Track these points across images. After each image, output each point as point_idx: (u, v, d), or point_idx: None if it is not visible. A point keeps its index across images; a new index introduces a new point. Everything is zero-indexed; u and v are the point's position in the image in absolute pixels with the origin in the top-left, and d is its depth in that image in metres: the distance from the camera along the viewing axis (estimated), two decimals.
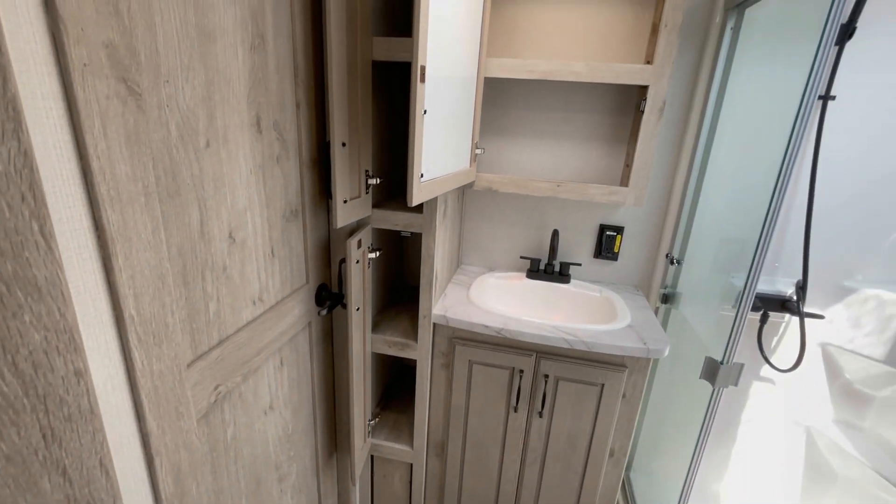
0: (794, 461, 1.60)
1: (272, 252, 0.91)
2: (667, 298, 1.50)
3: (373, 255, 1.20)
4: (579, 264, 1.57)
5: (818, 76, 0.85)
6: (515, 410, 1.31)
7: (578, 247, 1.59)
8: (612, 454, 1.31)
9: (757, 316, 1.42)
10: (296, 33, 0.88)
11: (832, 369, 1.48)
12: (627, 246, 1.56)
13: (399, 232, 1.59)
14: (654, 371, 1.60)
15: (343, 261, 1.10)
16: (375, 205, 1.23)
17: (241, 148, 0.77)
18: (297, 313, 1.03)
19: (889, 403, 1.41)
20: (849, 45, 1.19)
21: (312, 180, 1.02)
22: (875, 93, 1.23)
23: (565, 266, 1.55)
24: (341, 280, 1.14)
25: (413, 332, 1.33)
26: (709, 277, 1.29)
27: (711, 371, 1.06)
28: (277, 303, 0.96)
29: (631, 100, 1.40)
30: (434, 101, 0.94)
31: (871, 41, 1.19)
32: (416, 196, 0.92)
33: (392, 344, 1.32)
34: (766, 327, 1.42)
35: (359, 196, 1.08)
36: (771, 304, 1.40)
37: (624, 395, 1.24)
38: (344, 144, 0.97)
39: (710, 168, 1.34)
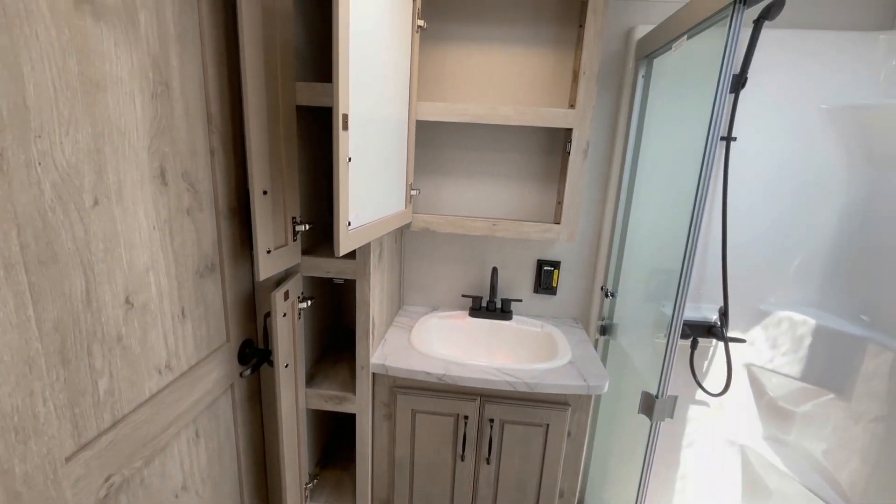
0: (732, 480, 1.65)
1: (183, 313, 0.83)
2: (605, 330, 1.54)
3: (304, 305, 1.13)
4: (520, 300, 1.58)
5: (718, 120, 0.93)
6: (462, 459, 1.26)
7: (518, 283, 1.61)
8: (561, 495, 1.29)
9: (688, 342, 1.48)
10: (208, 80, 0.83)
11: (757, 388, 1.57)
12: (565, 280, 1.59)
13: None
14: (598, 405, 1.62)
15: (269, 314, 1.02)
16: (306, 251, 1.18)
17: (140, 203, 0.70)
18: (216, 376, 0.94)
19: (808, 417, 1.50)
20: (743, 93, 1.32)
21: (232, 231, 0.95)
22: (771, 134, 1.37)
23: (506, 302, 1.55)
24: (268, 335, 1.06)
25: (352, 384, 1.26)
26: (641, 308, 1.34)
27: (648, 405, 1.08)
28: (191, 368, 0.86)
29: (559, 141, 1.46)
30: (361, 146, 0.92)
31: (761, 90, 1.33)
32: (344, 245, 0.87)
33: (329, 398, 1.23)
34: (696, 353, 1.49)
35: (285, 244, 1.02)
36: (699, 331, 1.47)
37: (569, 434, 1.23)
38: (265, 192, 0.91)
39: (634, 203, 1.41)
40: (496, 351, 1.49)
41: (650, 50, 1.26)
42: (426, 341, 1.40)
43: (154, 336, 0.75)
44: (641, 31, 1.34)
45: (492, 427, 1.22)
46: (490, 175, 1.51)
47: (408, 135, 1.25)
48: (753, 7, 0.85)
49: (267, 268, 0.93)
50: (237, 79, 0.91)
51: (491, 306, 1.54)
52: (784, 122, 1.36)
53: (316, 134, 1.24)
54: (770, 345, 1.50)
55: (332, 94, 0.79)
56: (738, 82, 1.30)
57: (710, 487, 1.67)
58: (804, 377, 1.46)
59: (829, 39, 1.29)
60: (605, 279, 1.53)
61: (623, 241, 1.46)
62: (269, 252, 0.94)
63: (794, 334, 1.46)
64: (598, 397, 1.61)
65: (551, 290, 1.59)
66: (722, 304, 1.43)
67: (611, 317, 1.53)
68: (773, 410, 1.58)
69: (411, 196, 1.34)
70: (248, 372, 1.00)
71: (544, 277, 1.57)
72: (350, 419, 1.71)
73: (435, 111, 1.30)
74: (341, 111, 0.80)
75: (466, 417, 1.22)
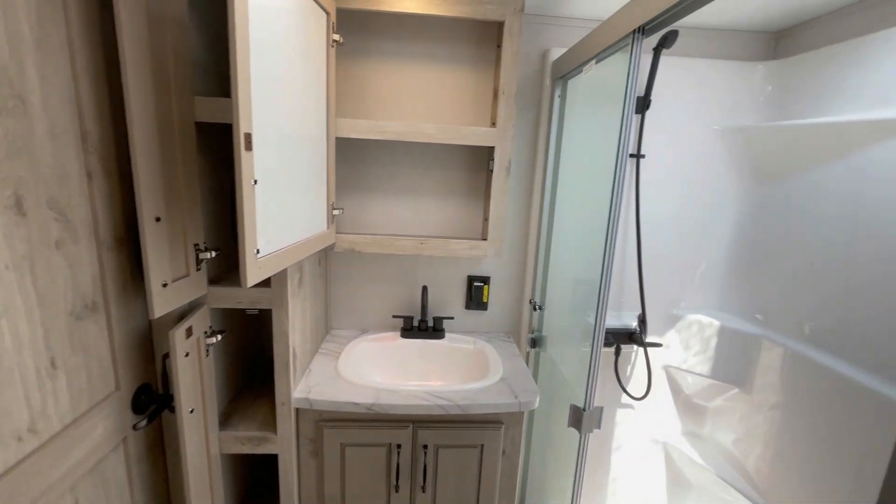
0: (657, 476, 1.74)
1: (53, 363, 0.70)
2: (535, 343, 1.56)
3: (213, 340, 1.02)
4: (452, 317, 1.56)
5: (626, 138, 0.97)
6: (397, 490, 1.20)
7: (449, 300, 1.59)
8: None
9: (612, 350, 1.54)
10: (81, 93, 0.73)
11: (674, 388, 1.67)
12: (495, 295, 1.60)
13: None
14: (532, 419, 1.64)
15: (168, 355, 0.91)
16: (214, 280, 1.07)
17: None
18: (101, 433, 0.81)
19: (718, 411, 1.63)
20: (649, 114, 1.42)
21: (119, 263, 0.84)
22: (675, 152, 1.48)
23: (438, 321, 1.52)
24: (168, 378, 0.94)
25: (273, 422, 1.16)
26: (567, 319, 1.38)
27: (576, 418, 1.09)
28: (66, 427, 0.73)
29: (483, 158, 1.48)
30: (270, 166, 0.85)
31: (664, 111, 1.44)
32: (252, 275, 0.80)
33: (246, 440, 1.12)
34: (620, 359, 1.56)
35: (187, 275, 0.92)
36: (621, 338, 1.54)
37: (504, 452, 1.22)
38: (158, 219, 0.81)
39: (557, 218, 1.46)
40: (429, 371, 1.46)
41: (564, 71, 1.31)
42: (355, 368, 1.33)
43: (11, 397, 0.63)
44: (556, 52, 1.40)
45: (426, 453, 1.18)
46: (416, 192, 1.49)
47: (327, 152, 1.19)
48: (652, 36, 0.91)
49: (162, 303, 0.83)
50: (120, 92, 0.81)
51: (422, 325, 1.51)
52: (685, 142, 1.48)
53: (225, 153, 1.14)
54: (683, 346, 1.61)
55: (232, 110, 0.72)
56: (643, 104, 1.39)
57: (638, 486, 1.75)
58: (713, 374, 1.58)
59: (718, 67, 1.43)
60: (532, 292, 1.56)
61: (548, 254, 1.50)
62: (164, 285, 0.83)
63: (703, 336, 1.58)
64: (532, 411, 1.63)
65: (482, 306, 1.59)
66: (640, 311, 1.51)
67: (540, 329, 1.56)
68: (688, 407, 1.69)
69: (334, 216, 1.28)
70: (143, 423, 0.87)
71: (475, 293, 1.57)
72: (275, 459, 1.58)
73: (356, 128, 1.26)
74: (242, 130, 0.73)
75: (399, 446, 1.17)
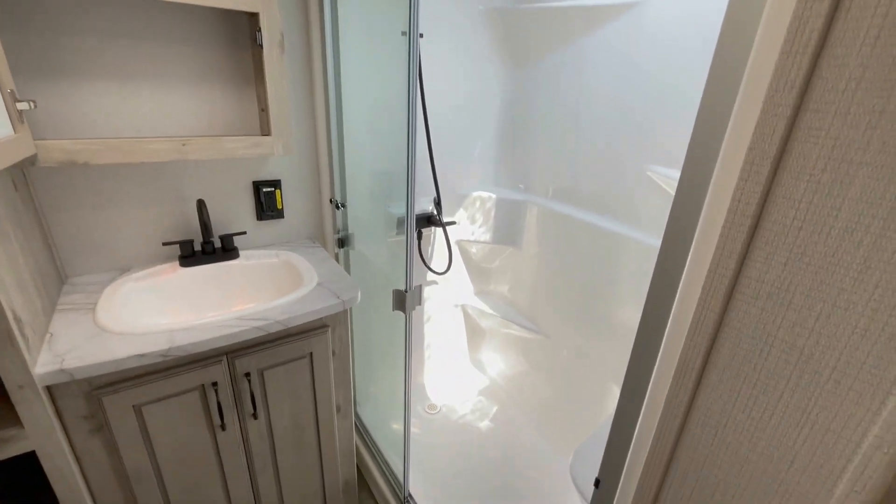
0: (459, 332, 2.07)
1: None
2: (342, 242, 1.52)
3: None
4: (244, 232, 1.35)
5: (416, 14, 0.90)
6: (223, 428, 1.07)
7: (237, 213, 1.36)
8: (339, 410, 1.30)
9: (414, 234, 1.63)
10: None
11: (467, 257, 1.93)
12: (290, 199, 1.44)
13: None
14: (352, 316, 1.66)
15: None
16: None
17: None
18: None
19: (499, 269, 1.98)
20: None
21: None
22: (447, 35, 1.49)
23: (227, 239, 1.30)
24: None
25: (12, 415, 0.83)
26: (371, 212, 1.36)
27: (400, 300, 1.15)
28: None
29: (244, 30, 1.19)
30: None
31: None
32: None
33: None
34: (423, 242, 1.67)
35: None
36: (422, 222, 1.64)
37: (334, 353, 1.21)
38: None
39: (346, 107, 1.34)
40: (230, 298, 1.27)
41: None
42: (126, 316, 1.04)
43: None
44: None
45: (250, 381, 1.07)
46: (159, 77, 1.12)
47: None
48: None
49: None
50: None
51: (207, 248, 1.26)
52: (455, 23, 1.51)
53: None
54: (470, 221, 1.83)
55: None
56: None
57: (446, 346, 2.05)
58: (494, 240, 1.87)
59: None
60: (332, 191, 1.47)
61: (342, 148, 1.40)
62: None
63: (484, 209, 1.82)
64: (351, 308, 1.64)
65: (278, 214, 1.42)
66: (435, 195, 1.62)
67: (345, 228, 1.51)
68: (478, 272, 1.99)
69: (20, 112, 0.85)
70: None
71: (266, 200, 1.38)
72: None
73: None
74: None
75: (215, 384, 1.02)
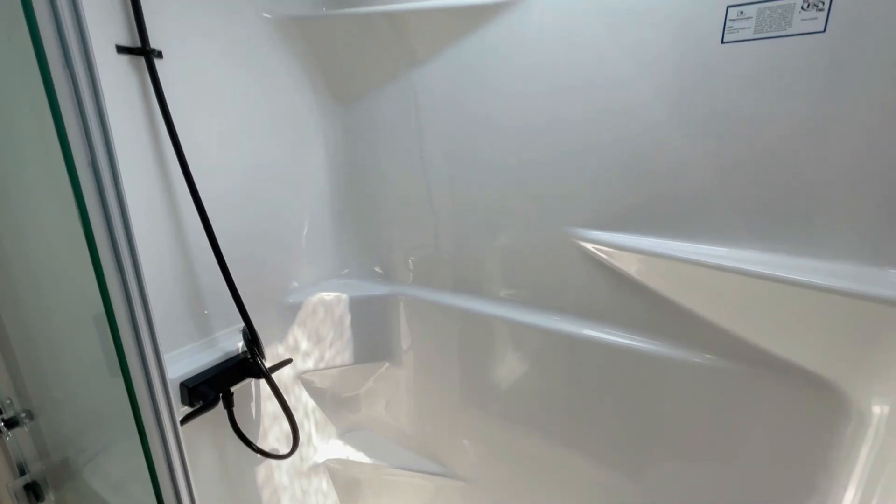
0: (330, 500, 1.34)
1: None
2: (36, 491, 0.69)
3: None
4: None
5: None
6: None
7: None
8: None
9: (217, 404, 0.90)
10: None
11: (318, 394, 1.25)
12: None
13: None
14: None
15: None
16: None
17: None
18: None
19: (371, 389, 1.35)
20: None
21: None
22: (212, 57, 0.87)
23: None
24: None
25: None
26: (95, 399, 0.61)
27: None
28: None
29: None
30: None
31: None
32: None
33: None
34: (235, 410, 0.94)
35: None
36: (225, 379, 0.91)
37: None
38: None
39: None
40: None
41: None
42: None
43: None
44: None
45: None
46: None
47: None
48: None
49: None
50: None
51: None
52: (233, 38, 0.90)
53: None
54: (314, 342, 1.17)
55: None
56: None
57: None
58: (357, 358, 1.24)
59: None
60: None
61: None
62: None
63: (334, 316, 1.18)
64: None
65: None
66: (245, 325, 0.92)
67: (45, 456, 0.70)
68: (339, 403, 1.32)
69: None
70: None
71: None
72: None
73: None
74: None
75: None
